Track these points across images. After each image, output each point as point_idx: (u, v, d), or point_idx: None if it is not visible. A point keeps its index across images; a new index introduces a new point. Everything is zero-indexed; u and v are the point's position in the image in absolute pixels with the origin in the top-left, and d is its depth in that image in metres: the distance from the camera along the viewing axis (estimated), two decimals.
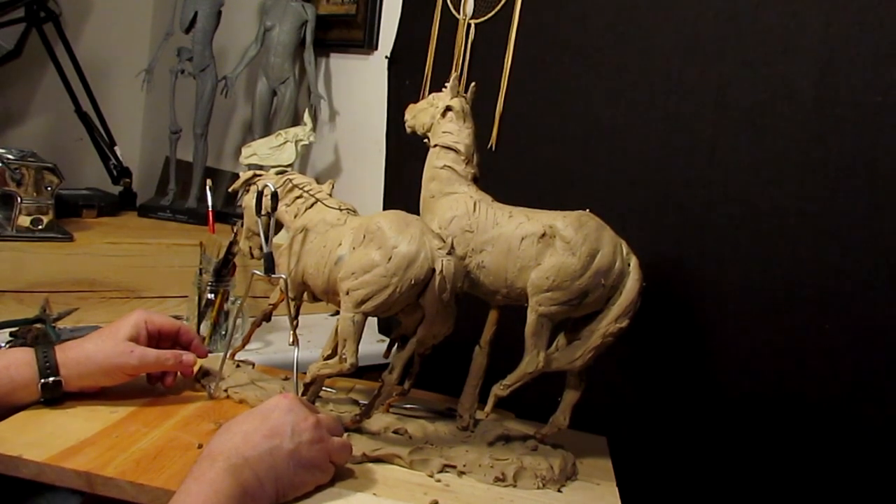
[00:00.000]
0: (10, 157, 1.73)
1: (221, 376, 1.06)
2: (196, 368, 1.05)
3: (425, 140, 1.11)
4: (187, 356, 1.00)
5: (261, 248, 1.06)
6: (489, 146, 1.53)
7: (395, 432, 1.00)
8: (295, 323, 1.02)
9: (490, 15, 1.55)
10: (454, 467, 0.95)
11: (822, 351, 1.07)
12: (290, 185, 1.07)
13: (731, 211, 1.17)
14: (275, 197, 0.99)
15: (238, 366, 1.14)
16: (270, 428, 0.79)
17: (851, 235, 1.05)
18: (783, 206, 1.11)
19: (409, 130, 1.13)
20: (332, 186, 1.09)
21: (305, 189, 1.06)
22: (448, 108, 1.07)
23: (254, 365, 1.17)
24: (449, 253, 0.91)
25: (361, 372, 1.39)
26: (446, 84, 1.10)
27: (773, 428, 1.11)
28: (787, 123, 1.12)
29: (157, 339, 1.01)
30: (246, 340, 1.17)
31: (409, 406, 1.12)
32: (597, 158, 1.36)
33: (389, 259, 0.88)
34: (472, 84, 1.12)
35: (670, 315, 1.24)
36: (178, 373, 1.03)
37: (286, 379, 1.13)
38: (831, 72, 1.07)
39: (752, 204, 1.15)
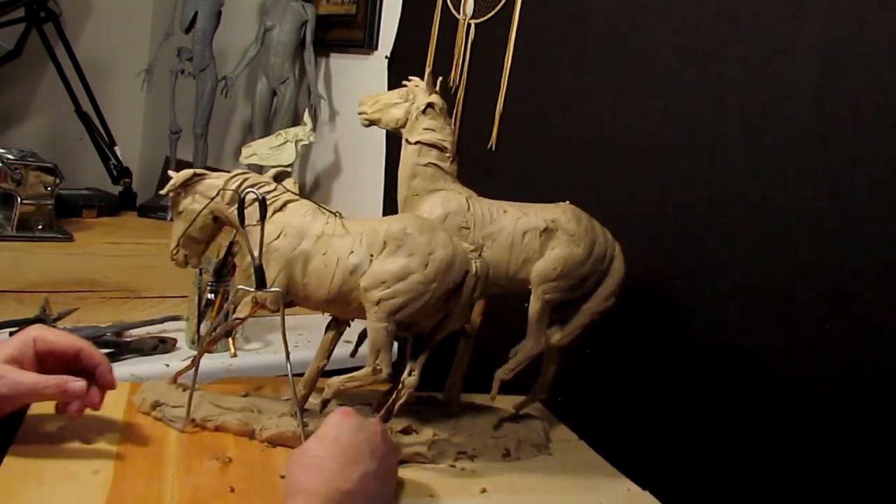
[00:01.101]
0: (10, 157, 1.74)
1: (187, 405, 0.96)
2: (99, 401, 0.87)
3: (406, 137, 1.07)
4: (73, 384, 0.81)
5: (198, 257, 0.99)
6: (489, 146, 1.53)
7: (404, 431, 0.99)
8: (234, 334, 0.97)
9: (490, 15, 1.55)
10: (465, 453, 0.99)
11: (822, 351, 1.07)
12: (245, 183, 0.95)
13: (731, 211, 1.17)
14: (263, 204, 0.90)
15: (184, 389, 0.99)
16: (350, 453, 0.75)
17: (851, 235, 1.05)
18: (783, 206, 1.11)
19: (365, 124, 1.08)
20: (297, 184, 1.01)
21: (268, 190, 0.96)
22: (429, 105, 1.05)
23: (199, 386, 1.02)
24: (479, 254, 0.94)
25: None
26: (410, 78, 1.07)
27: (773, 427, 1.11)
28: (787, 123, 1.12)
29: (59, 360, 0.84)
30: (196, 361, 0.98)
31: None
32: (597, 158, 1.36)
33: (426, 265, 0.88)
34: (440, 79, 1.08)
35: (670, 314, 1.24)
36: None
37: (259, 388, 1.07)
38: (831, 72, 1.07)
39: (752, 204, 1.15)
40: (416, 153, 1.04)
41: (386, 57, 1.81)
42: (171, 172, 0.97)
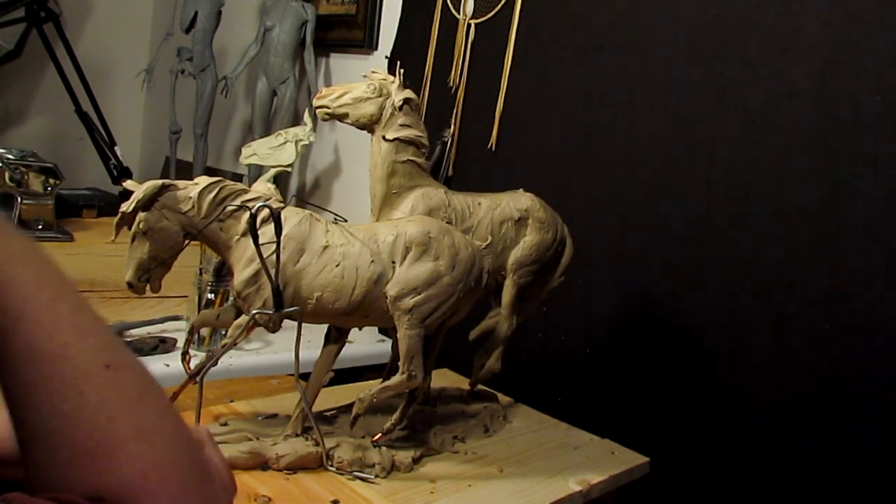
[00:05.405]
0: (10, 157, 1.74)
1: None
2: None
3: (381, 134, 1.02)
4: None
5: (160, 280, 0.85)
6: (489, 146, 1.53)
7: (404, 428, 1.00)
8: (189, 358, 0.90)
9: (490, 15, 1.55)
10: (457, 437, 1.03)
11: (822, 351, 1.07)
12: (222, 192, 0.84)
13: (731, 211, 1.17)
14: (277, 218, 0.81)
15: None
16: None
17: (851, 235, 1.05)
18: (783, 206, 1.11)
19: (326, 118, 1.01)
20: (276, 187, 0.92)
21: (251, 198, 0.86)
22: (406, 101, 1.01)
23: None
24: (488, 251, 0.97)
25: (361, 372, 1.40)
26: (375, 71, 1.03)
27: (771, 426, 1.11)
28: (787, 123, 1.12)
29: None
30: (200, 381, 0.90)
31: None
32: (597, 158, 1.36)
33: (454, 267, 0.88)
34: (401, 70, 1.03)
35: (669, 314, 1.24)
36: None
37: (267, 417, 1.00)
38: (831, 72, 1.07)
39: (752, 204, 1.15)
40: (394, 150, 1.00)
41: (386, 57, 1.81)
42: (128, 184, 0.84)
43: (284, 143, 1.87)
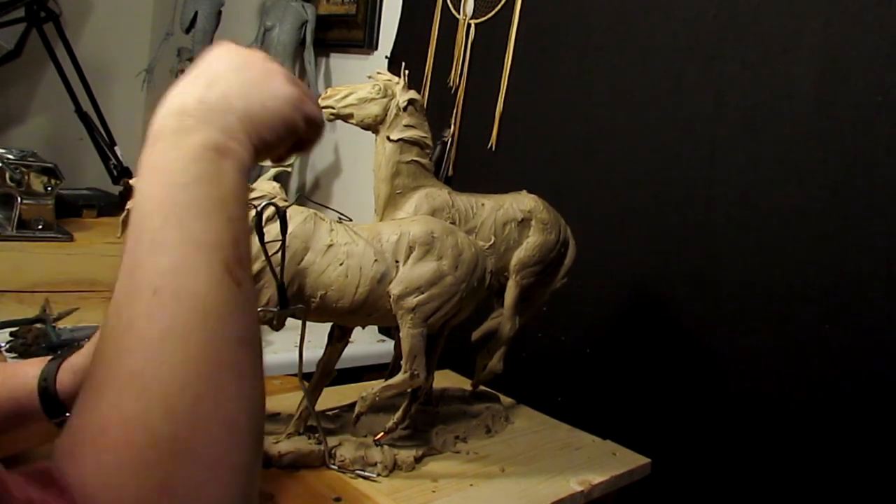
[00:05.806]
0: (10, 157, 1.73)
1: None
2: None
3: (386, 134, 1.02)
4: None
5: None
6: (489, 146, 1.53)
7: (406, 428, 1.00)
8: None
9: (490, 15, 1.55)
10: (458, 437, 1.04)
11: (822, 351, 1.07)
12: None
13: (731, 211, 1.17)
14: (283, 217, 0.81)
15: None
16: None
17: (851, 235, 1.05)
18: (783, 206, 1.12)
19: (331, 118, 1.01)
20: (280, 186, 0.92)
21: (256, 196, 0.86)
22: (410, 102, 1.01)
23: None
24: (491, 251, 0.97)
25: (361, 372, 1.40)
26: (379, 72, 1.04)
27: (772, 426, 1.12)
28: (787, 123, 1.12)
29: None
30: None
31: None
32: (597, 158, 1.36)
33: (457, 267, 0.89)
34: (406, 71, 1.04)
35: (669, 314, 1.24)
36: None
37: (269, 416, 0.98)
38: (831, 72, 1.07)
39: (752, 204, 1.15)
40: (398, 151, 1.01)
41: (386, 57, 1.81)
42: (134, 182, 0.84)
43: None
